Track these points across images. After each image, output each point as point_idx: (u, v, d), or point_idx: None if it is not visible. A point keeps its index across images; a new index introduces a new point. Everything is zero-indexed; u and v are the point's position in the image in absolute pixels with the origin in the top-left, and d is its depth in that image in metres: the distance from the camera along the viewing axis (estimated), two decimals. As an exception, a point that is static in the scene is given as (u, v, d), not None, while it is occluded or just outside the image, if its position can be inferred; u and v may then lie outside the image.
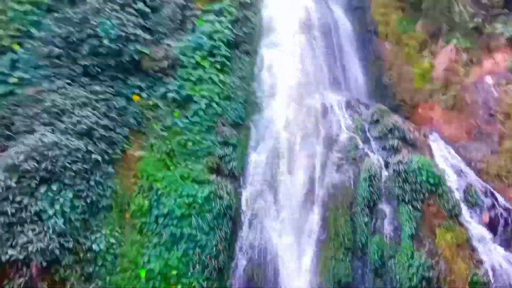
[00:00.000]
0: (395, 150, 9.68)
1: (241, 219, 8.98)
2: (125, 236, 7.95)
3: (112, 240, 7.74)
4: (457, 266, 8.21)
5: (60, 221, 7.22)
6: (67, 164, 7.82)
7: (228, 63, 10.21)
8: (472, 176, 9.54)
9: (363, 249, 8.82)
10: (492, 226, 8.87)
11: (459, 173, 9.62)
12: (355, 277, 8.72)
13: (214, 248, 8.08)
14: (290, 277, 8.66)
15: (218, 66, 10.04)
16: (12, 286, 6.63)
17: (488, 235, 8.72)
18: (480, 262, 8.33)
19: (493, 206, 9.05)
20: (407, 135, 9.94)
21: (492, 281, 8.06)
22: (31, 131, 8.27)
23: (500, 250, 8.56)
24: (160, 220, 8.02)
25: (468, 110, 10.40)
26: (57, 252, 7.02)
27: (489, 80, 10.22)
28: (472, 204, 9.09)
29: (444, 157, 9.93)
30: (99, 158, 8.35)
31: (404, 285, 8.13)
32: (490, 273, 8.13)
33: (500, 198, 9.07)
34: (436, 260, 8.28)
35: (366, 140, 10.08)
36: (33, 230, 7.00)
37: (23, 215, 7.05)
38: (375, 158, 9.62)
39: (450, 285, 8.04)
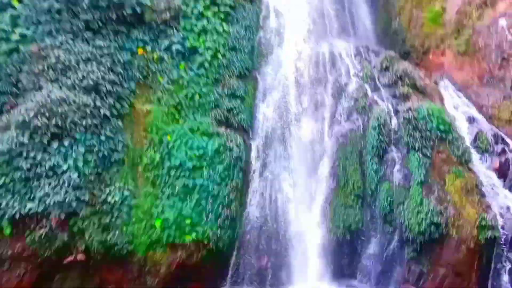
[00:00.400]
0: (405, 98, 9.57)
1: (252, 170, 9.08)
2: (139, 188, 8.10)
3: (126, 193, 7.90)
4: (465, 211, 8.34)
5: (75, 175, 7.36)
6: (77, 120, 7.86)
7: (232, 12, 9.92)
8: (483, 122, 9.47)
9: (372, 196, 8.97)
10: (502, 171, 8.91)
11: (470, 119, 9.56)
12: (364, 223, 8.94)
13: (226, 198, 8.23)
14: (301, 224, 8.88)
15: (222, 16, 9.76)
16: (33, 237, 6.87)
17: (497, 180, 8.79)
18: (488, 206, 8.45)
19: (503, 152, 9.05)
20: (418, 82, 9.79)
21: (500, 224, 8.20)
22: (38, 88, 8.26)
23: (509, 194, 8.65)
24: (172, 172, 8.14)
25: (480, 55, 10.13)
26: (74, 204, 7.21)
27: (503, 22, 9.85)
28: (482, 150, 9.10)
29: (454, 104, 9.83)
30: (108, 113, 8.36)
31: (413, 230, 8.30)
32: (499, 217, 8.26)
33: (511, 144, 9.05)
34: (445, 206, 8.39)
35: (375, 88, 9.95)
36: (49, 184, 7.16)
37: (38, 170, 7.18)
38: (384, 106, 9.54)
39: (458, 229, 8.20)
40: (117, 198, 7.74)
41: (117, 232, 7.61)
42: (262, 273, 8.54)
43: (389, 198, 8.75)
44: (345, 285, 8.63)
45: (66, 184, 7.24)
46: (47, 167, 7.27)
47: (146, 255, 7.73)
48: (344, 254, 8.94)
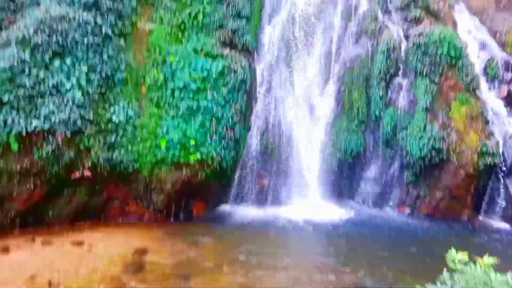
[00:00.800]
0: (417, 22, 9.23)
1: (256, 93, 9.02)
2: (143, 109, 8.09)
3: (131, 113, 7.91)
4: (468, 138, 8.38)
5: (78, 94, 7.33)
6: (78, 38, 7.65)
7: None
8: (495, 49, 9.20)
9: (376, 122, 9.00)
10: (509, 99, 8.81)
11: (482, 45, 9.27)
12: (366, 148, 9.07)
13: (230, 120, 8.25)
14: (303, 147, 9.00)
15: None
16: (41, 154, 7.00)
17: (503, 108, 8.73)
18: (491, 134, 8.48)
19: (512, 80, 8.89)
20: (431, 5, 9.36)
21: (501, 151, 8.27)
22: (36, 4, 7.97)
23: (513, 122, 8.64)
24: (176, 94, 8.07)
25: (500, -23, 9.60)
26: (79, 123, 7.25)
27: None
28: (492, 78, 8.94)
29: (468, 29, 9.47)
30: (110, 32, 8.12)
31: (414, 155, 8.42)
32: (500, 144, 8.31)
33: (521, 71, 8.86)
34: (448, 132, 8.43)
35: (386, 11, 9.56)
36: (54, 102, 7.14)
37: (42, 87, 7.12)
38: (394, 30, 9.23)
39: (459, 155, 8.31)
40: (121, 118, 7.77)
41: (122, 151, 7.74)
42: (263, 193, 8.83)
43: (392, 124, 8.78)
44: (343, 205, 8.96)
45: (70, 103, 7.23)
46: (50, 85, 7.21)
47: (151, 173, 7.90)
48: (344, 176, 9.19)
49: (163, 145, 7.78)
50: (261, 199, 8.83)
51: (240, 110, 8.48)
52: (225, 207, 8.73)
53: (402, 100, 8.81)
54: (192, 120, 8.01)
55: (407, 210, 8.76)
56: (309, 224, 7.98)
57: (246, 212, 8.53)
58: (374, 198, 9.03)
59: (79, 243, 6.76)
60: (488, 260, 2.32)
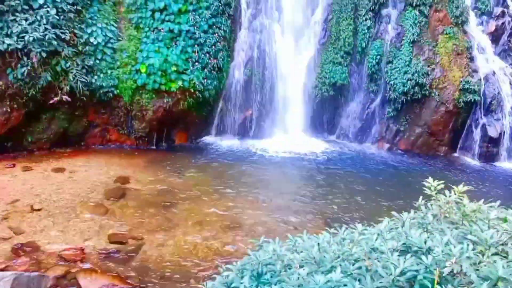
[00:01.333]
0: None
1: (241, 19, 8.64)
2: (122, 31, 7.70)
3: (109, 34, 7.54)
4: (452, 74, 8.38)
5: (52, 11, 6.87)
6: None
7: None
8: (488, -19, 8.91)
9: (362, 54, 8.83)
10: (496, 35, 8.73)
11: (476, -22, 8.96)
12: (350, 80, 8.96)
13: (213, 47, 7.95)
14: (288, 77, 8.86)
15: None
16: (16, 75, 6.71)
17: (489, 44, 8.67)
18: (475, 71, 8.49)
19: (502, 15, 8.75)
20: None
21: (482, 89, 8.33)
22: None
23: (497, 60, 8.63)
24: (157, 16, 7.65)
25: None
26: (54, 43, 6.87)
27: None
28: (482, 12, 8.77)
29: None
30: None
31: (397, 90, 8.40)
32: (482, 82, 8.35)
33: (512, 7, 8.69)
34: (432, 68, 8.40)
35: None
36: (26, 19, 6.72)
37: (12, 3, 6.65)
38: (388, -43, 8.78)
39: (441, 91, 8.35)
40: (99, 39, 7.42)
41: (101, 75, 7.48)
42: (245, 125, 8.78)
43: (378, 57, 8.65)
44: (324, 139, 9.04)
45: (44, 21, 6.81)
46: (21, 1, 6.74)
47: (132, 100, 7.71)
48: (326, 110, 9.16)
49: (143, 71, 7.52)
50: (243, 132, 8.79)
51: (224, 36, 8.15)
52: (207, 138, 8.70)
53: (389, 32, 8.61)
54: (174, 45, 7.68)
55: (386, 146, 8.87)
56: (290, 158, 8.04)
57: (228, 143, 8.52)
58: (354, 133, 9.09)
59: (60, 170, 6.74)
60: (462, 188, 2.40)
